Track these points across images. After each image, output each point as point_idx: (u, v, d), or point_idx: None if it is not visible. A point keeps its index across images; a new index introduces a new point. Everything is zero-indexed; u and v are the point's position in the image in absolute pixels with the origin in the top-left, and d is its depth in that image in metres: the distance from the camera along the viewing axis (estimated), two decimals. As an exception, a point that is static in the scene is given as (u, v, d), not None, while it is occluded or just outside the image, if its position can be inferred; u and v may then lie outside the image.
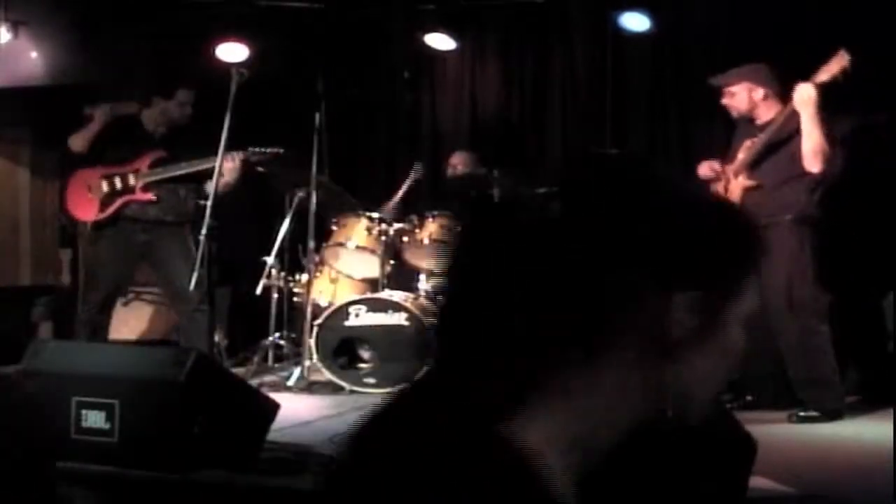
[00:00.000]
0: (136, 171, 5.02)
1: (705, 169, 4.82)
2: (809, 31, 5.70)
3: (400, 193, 6.53)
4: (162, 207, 5.08)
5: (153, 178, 5.02)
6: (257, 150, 5.02)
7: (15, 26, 6.25)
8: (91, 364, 3.55)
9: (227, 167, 4.97)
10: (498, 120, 7.13)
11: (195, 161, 4.98)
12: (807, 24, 5.75)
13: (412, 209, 6.11)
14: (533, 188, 5.32)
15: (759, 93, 4.58)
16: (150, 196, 5.02)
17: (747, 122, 4.67)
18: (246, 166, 5.06)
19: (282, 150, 4.91)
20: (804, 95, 4.29)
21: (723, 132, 6.24)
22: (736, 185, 4.53)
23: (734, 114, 4.68)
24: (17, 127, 7.01)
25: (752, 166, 4.52)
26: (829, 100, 4.42)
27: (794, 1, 5.88)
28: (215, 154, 4.87)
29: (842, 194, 4.67)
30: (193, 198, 5.18)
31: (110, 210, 5.03)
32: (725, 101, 4.68)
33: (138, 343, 6.06)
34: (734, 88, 4.62)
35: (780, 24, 5.84)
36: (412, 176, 6.54)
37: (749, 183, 4.49)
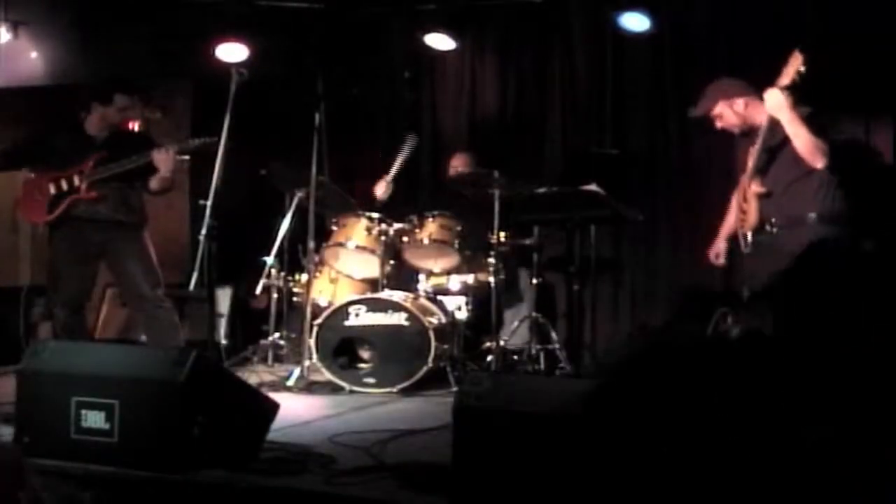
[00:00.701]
0: (81, 172, 5.08)
1: (714, 258, 4.87)
2: (808, 31, 5.71)
3: (395, 168, 6.46)
4: (111, 206, 5.14)
5: (97, 177, 5.09)
6: (192, 140, 5.08)
7: (15, 26, 6.26)
8: (91, 364, 3.55)
9: (159, 159, 5.02)
10: (497, 120, 7.12)
11: (135, 157, 5.05)
12: (806, 24, 5.75)
13: (412, 202, 6.11)
14: (532, 188, 5.31)
15: (739, 103, 4.58)
16: (94, 194, 5.09)
17: (747, 133, 4.65)
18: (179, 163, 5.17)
19: (214, 140, 4.93)
20: (774, 102, 4.28)
21: (722, 133, 6.25)
22: (751, 193, 4.53)
23: (736, 132, 4.67)
24: (17, 127, 7.00)
25: (762, 172, 4.51)
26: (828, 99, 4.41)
27: (793, 1, 5.88)
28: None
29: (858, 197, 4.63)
30: (140, 196, 5.25)
31: (58, 211, 5.11)
32: (719, 125, 4.69)
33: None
34: (716, 111, 4.63)
35: (779, 23, 5.84)
36: (408, 147, 6.45)
37: (760, 190, 4.48)
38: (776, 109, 4.30)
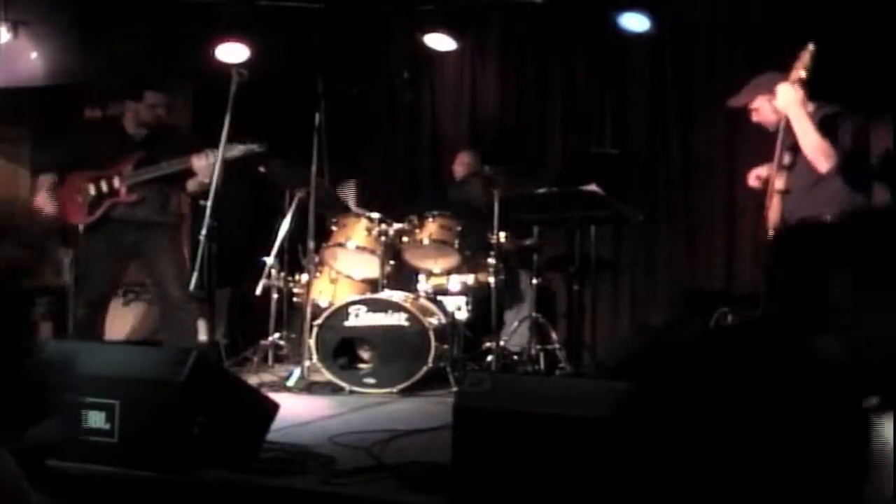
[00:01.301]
0: (120, 174, 5.07)
1: (753, 179, 4.77)
2: (808, 31, 5.70)
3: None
4: (149, 208, 5.13)
5: (136, 180, 5.08)
6: (236, 146, 5.02)
7: (15, 26, 6.25)
8: (91, 364, 3.55)
9: (198, 166, 4.98)
10: (498, 120, 7.12)
11: (174, 161, 5.04)
12: (806, 24, 5.75)
13: (410, 208, 6.10)
14: (533, 187, 5.31)
15: None
16: (134, 197, 5.08)
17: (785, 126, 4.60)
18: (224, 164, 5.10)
19: (256, 146, 4.89)
20: (785, 97, 4.23)
21: (723, 131, 6.26)
22: (773, 189, 4.50)
23: (770, 128, 4.62)
24: (17, 127, 7.00)
25: (787, 169, 4.46)
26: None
27: (793, 1, 5.88)
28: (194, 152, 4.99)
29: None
30: (178, 197, 5.24)
31: (98, 213, 5.10)
32: (754, 119, 4.62)
33: (129, 342, 6.08)
34: (755, 104, 4.56)
35: (779, 23, 5.84)
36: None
37: (781, 188, 4.44)
38: (786, 105, 4.23)
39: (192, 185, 5.13)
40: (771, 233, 4.52)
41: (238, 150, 4.96)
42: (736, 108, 4.66)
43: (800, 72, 4.18)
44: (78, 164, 5.16)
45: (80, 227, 5.15)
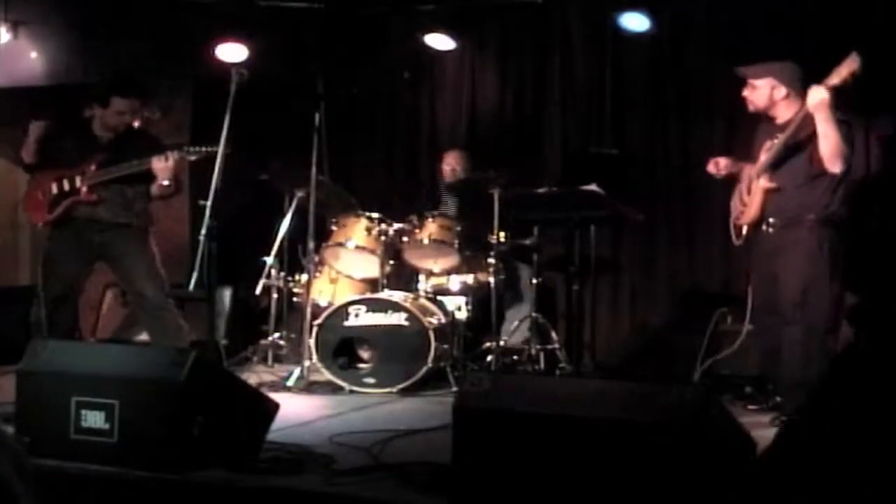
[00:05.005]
0: (83, 174, 5.07)
1: (714, 167, 4.75)
2: (809, 32, 5.71)
3: None
4: (110, 209, 5.12)
5: (97, 180, 5.06)
6: (192, 149, 5.00)
7: (15, 26, 6.25)
8: (91, 364, 3.55)
9: (158, 167, 4.97)
10: (497, 120, 7.12)
11: (135, 162, 5.02)
12: (806, 25, 5.75)
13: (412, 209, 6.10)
14: (532, 188, 5.31)
15: (781, 92, 4.47)
16: (94, 197, 5.07)
17: (769, 121, 4.60)
18: (182, 166, 5.10)
19: (215, 149, 4.86)
20: (816, 98, 4.20)
21: (723, 132, 6.26)
22: (757, 187, 4.49)
23: (750, 108, 4.59)
24: (17, 127, 6.99)
25: (774, 168, 4.46)
26: (868, 99, 4.34)
27: (793, 1, 5.88)
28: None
29: (866, 196, 4.60)
30: (143, 199, 5.20)
31: (57, 211, 5.10)
32: (746, 92, 4.58)
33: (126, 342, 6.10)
34: (758, 82, 4.53)
35: (779, 23, 5.84)
36: None
37: (770, 185, 4.44)
38: (818, 107, 4.20)
39: (154, 189, 5.11)
40: (745, 230, 4.55)
41: (196, 152, 4.95)
42: (738, 75, 4.62)
43: (839, 78, 4.13)
44: (47, 162, 5.17)
45: (40, 226, 5.18)
